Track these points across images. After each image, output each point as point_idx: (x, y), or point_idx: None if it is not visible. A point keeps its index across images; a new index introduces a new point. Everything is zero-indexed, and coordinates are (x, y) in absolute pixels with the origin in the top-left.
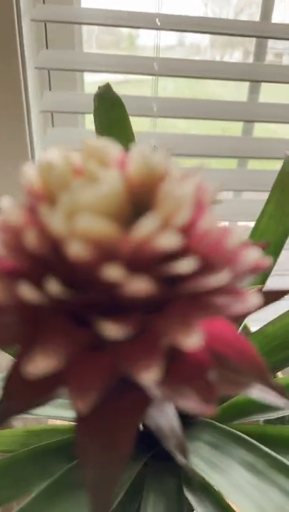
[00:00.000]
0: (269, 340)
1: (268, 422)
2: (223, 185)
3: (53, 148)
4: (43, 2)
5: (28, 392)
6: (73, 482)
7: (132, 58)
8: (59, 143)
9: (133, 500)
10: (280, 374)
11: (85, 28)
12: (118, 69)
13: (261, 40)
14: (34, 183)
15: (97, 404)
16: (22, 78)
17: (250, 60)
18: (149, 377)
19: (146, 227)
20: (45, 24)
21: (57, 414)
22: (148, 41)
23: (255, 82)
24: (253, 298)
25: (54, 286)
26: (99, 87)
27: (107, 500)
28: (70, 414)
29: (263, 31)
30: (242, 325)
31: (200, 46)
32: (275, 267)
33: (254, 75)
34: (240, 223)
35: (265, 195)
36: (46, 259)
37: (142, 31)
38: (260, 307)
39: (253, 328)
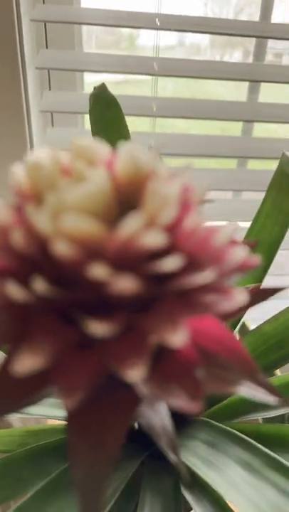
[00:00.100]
0: (266, 338)
1: (268, 420)
2: (222, 185)
3: (41, 148)
4: (43, 2)
5: (16, 391)
6: (70, 481)
7: (132, 58)
8: (59, 143)
9: (130, 500)
10: (278, 372)
11: (84, 28)
12: (118, 69)
13: (261, 40)
14: (22, 183)
15: (85, 402)
16: (22, 78)
17: (250, 60)
18: (135, 374)
19: (130, 225)
20: (45, 24)
21: (52, 414)
22: (148, 41)
23: (254, 82)
24: (240, 296)
25: (40, 285)
26: (94, 88)
27: (96, 499)
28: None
29: (262, 31)
30: (240, 323)
31: (200, 46)
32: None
33: (254, 75)
34: (239, 223)
35: None
36: (33, 259)
37: (141, 31)
38: (252, 305)
39: (252, 327)
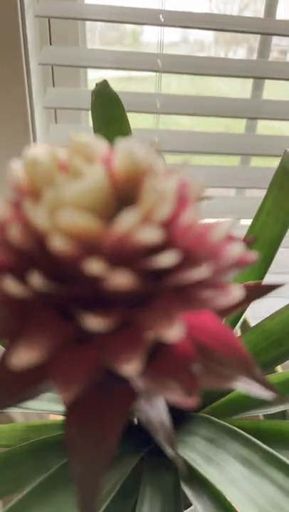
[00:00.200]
0: (267, 335)
1: (268, 417)
2: (225, 182)
3: (39, 144)
4: None
5: (14, 385)
6: (69, 476)
7: (136, 55)
8: (62, 139)
9: (130, 495)
10: (279, 368)
11: (88, 24)
12: (121, 65)
13: (265, 36)
14: (20, 178)
15: (83, 397)
16: (25, 74)
17: (254, 56)
18: (131, 368)
19: (127, 221)
20: (48, 20)
21: (52, 409)
22: (152, 37)
23: (259, 79)
24: (237, 291)
25: (38, 280)
26: (96, 84)
27: (94, 494)
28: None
29: (267, 28)
30: (241, 320)
31: (204, 43)
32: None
33: (258, 72)
34: (242, 221)
35: None
36: (31, 254)
37: (145, 27)
38: (251, 301)
39: (253, 324)
